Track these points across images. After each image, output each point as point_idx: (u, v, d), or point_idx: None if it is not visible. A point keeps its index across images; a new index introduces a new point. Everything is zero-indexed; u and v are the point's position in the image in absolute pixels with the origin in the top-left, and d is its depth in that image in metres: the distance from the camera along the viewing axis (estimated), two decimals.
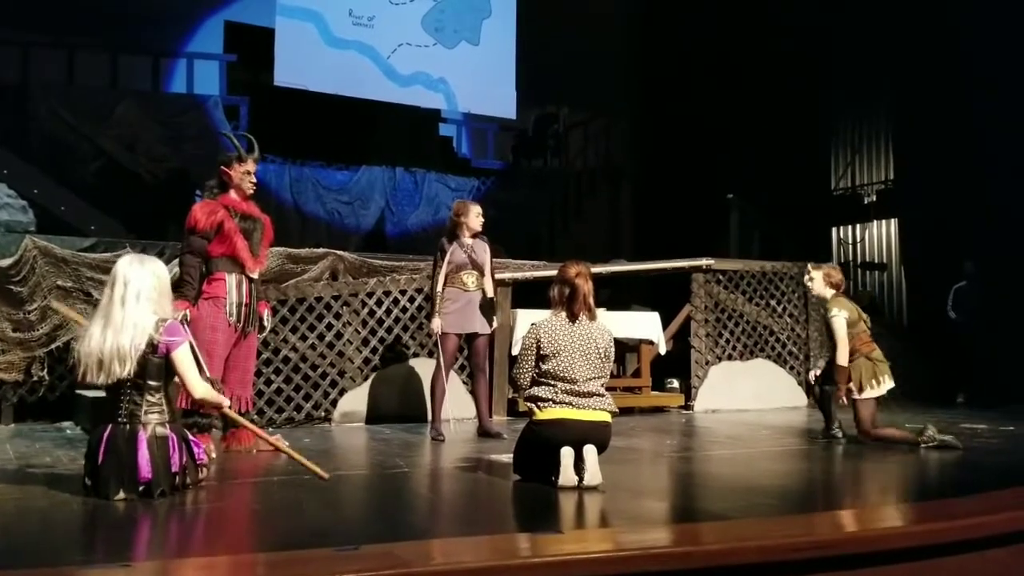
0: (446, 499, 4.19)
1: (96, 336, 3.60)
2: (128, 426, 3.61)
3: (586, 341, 4.11)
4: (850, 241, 12.22)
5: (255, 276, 5.09)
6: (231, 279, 4.94)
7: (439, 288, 5.83)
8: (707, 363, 8.09)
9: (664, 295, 8.47)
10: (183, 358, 3.68)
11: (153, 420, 3.64)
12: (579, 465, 3.95)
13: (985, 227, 9.40)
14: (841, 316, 5.44)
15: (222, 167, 5.09)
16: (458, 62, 11.37)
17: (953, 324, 9.27)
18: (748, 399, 8.05)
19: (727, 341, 8.25)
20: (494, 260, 6.14)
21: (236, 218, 4.98)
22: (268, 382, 6.43)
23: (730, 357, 8.25)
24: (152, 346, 3.62)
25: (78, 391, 6.57)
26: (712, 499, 4.23)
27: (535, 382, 4.13)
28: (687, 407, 7.99)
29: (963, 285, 9.32)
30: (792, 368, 8.55)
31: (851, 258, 12.14)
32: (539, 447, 4.06)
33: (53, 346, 6.49)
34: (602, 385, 4.15)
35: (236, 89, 10.57)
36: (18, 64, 9.42)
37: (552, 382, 4.07)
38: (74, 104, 9.10)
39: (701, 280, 8.14)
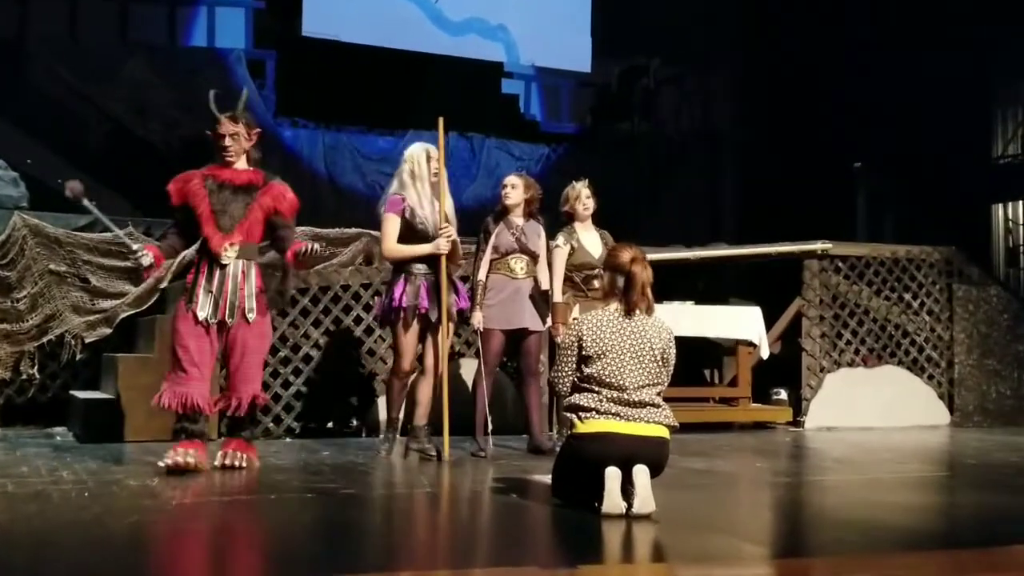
0: (465, 525, 4.24)
1: None
2: None
3: (639, 340, 4.08)
4: (1020, 221, 11.82)
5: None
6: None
7: (480, 276, 5.86)
8: (822, 370, 7.99)
9: (771, 287, 8.37)
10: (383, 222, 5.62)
11: None
12: (627, 489, 3.92)
13: None
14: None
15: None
16: (521, 5, 11.35)
17: None
18: (873, 415, 7.91)
19: (848, 343, 8.15)
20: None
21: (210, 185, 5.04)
22: (286, 384, 6.58)
23: (851, 363, 8.14)
24: None
25: (72, 392, 6.86)
26: (797, 534, 4.15)
27: (576, 388, 4.13)
28: (796, 423, 7.92)
29: None
30: (931, 377, 8.35)
31: (1021, 242, 11.75)
32: (580, 466, 4.05)
33: (45, 339, 6.76)
34: (658, 394, 4.12)
35: (264, 41, 10.79)
36: (13, 16, 9.77)
37: (596, 388, 4.06)
38: (76, 62, 9.46)
39: (815, 268, 8.04)
